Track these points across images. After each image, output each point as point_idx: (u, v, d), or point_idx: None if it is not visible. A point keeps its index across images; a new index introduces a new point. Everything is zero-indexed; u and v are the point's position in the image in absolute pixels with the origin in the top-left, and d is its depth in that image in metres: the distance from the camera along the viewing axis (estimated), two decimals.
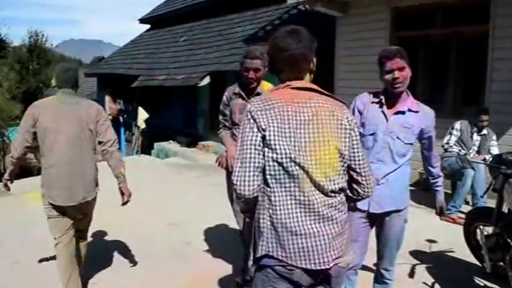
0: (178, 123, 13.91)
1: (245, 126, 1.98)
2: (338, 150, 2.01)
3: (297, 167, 1.93)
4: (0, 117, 20.60)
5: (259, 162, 1.95)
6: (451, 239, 4.90)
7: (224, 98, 3.82)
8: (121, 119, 17.75)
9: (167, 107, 14.63)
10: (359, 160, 2.07)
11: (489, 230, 4.03)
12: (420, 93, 7.69)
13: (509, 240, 3.71)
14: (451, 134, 6.00)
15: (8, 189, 3.70)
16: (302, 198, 1.96)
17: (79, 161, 3.44)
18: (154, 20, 18.68)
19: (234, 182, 1.98)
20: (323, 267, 1.97)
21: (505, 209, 3.95)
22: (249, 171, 1.95)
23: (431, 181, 3.22)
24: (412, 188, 7.09)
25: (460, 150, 5.91)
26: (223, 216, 5.01)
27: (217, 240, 5.01)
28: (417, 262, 4.38)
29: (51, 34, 32.65)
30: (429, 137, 2.96)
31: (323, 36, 9.51)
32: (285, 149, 1.92)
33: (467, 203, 6.07)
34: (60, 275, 3.45)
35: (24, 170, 16.74)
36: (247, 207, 2.09)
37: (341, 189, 2.04)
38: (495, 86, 6.66)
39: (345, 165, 2.04)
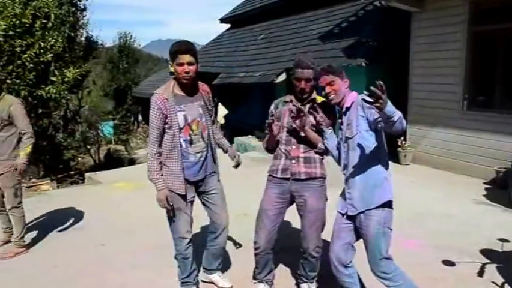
0: (257, 119, 14.23)
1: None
2: None
3: None
4: (95, 112, 22.14)
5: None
6: None
7: (271, 108, 3.62)
8: None
9: (246, 103, 14.99)
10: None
11: None
12: (498, 90, 7.45)
13: None
14: None
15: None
16: None
17: None
18: (234, 19, 19.11)
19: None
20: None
21: None
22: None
23: None
24: (488, 186, 6.95)
25: None
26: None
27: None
28: (488, 261, 4.27)
29: (141, 35, 34.61)
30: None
31: (398, 32, 9.44)
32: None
33: None
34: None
35: (116, 161, 18.00)
36: None
37: None
38: None
39: None
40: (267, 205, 3.49)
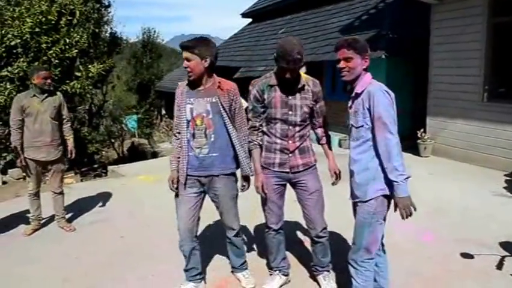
0: None
1: None
2: None
3: None
4: (119, 106, 22.41)
5: None
6: None
7: (255, 92, 3.38)
8: None
9: None
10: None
11: None
12: None
13: None
14: None
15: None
16: None
17: None
18: (255, 14, 19.11)
19: None
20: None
21: None
22: None
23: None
24: (508, 178, 6.90)
25: None
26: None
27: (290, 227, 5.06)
28: (507, 254, 4.22)
29: (164, 30, 34.86)
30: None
31: (418, 24, 9.40)
32: None
33: None
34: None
35: (139, 154, 18.20)
36: None
37: None
38: None
39: None
40: (269, 193, 3.46)
